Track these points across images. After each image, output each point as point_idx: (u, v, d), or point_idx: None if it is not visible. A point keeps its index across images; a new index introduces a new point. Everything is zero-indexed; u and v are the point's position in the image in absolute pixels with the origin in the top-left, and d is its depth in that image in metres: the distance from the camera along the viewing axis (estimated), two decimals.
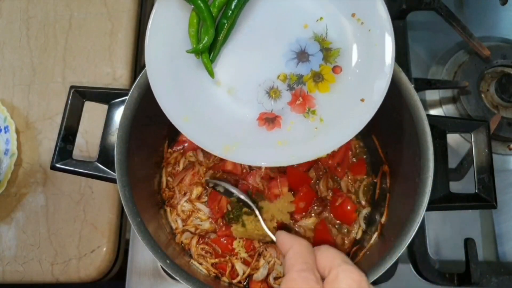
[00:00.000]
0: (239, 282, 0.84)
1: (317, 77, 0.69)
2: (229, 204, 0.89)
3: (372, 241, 0.82)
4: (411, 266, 0.94)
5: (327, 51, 0.69)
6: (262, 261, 0.85)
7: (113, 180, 0.71)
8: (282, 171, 0.93)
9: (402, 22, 1.10)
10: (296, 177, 0.91)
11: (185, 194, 0.91)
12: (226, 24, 0.66)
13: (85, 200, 0.99)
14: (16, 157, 0.97)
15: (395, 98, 0.73)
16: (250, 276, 0.85)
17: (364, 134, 0.95)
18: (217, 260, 0.85)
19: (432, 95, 1.10)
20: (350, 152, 0.94)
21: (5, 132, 1.00)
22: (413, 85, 0.79)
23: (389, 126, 0.83)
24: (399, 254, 0.66)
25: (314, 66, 0.69)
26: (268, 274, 0.85)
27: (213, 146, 0.65)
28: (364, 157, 0.95)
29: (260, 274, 0.84)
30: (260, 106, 0.68)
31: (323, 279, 0.58)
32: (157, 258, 0.68)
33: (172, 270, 0.68)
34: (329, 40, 0.69)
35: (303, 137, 0.66)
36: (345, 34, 0.68)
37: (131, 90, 0.72)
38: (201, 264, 0.84)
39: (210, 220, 0.90)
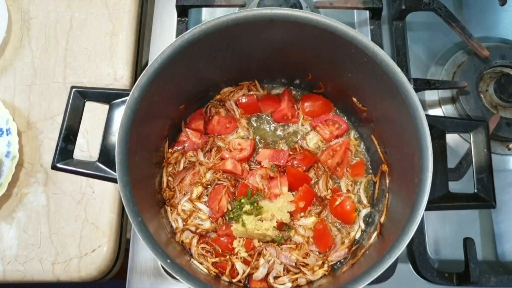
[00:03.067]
0: (239, 281, 0.85)
1: None
2: (230, 203, 0.90)
3: (371, 240, 0.82)
4: (410, 265, 0.94)
5: None
6: (262, 260, 0.86)
7: (114, 180, 0.71)
8: (282, 171, 0.93)
9: (402, 22, 1.10)
10: (296, 177, 0.91)
11: (185, 194, 0.92)
12: None
13: (86, 199, 0.99)
14: (17, 159, 0.98)
15: (395, 99, 0.73)
16: (250, 275, 0.86)
17: (364, 135, 0.95)
18: (217, 259, 0.85)
19: (431, 95, 1.10)
20: (349, 152, 0.95)
21: (7, 134, 1.00)
22: (412, 86, 0.79)
23: (389, 127, 0.83)
24: (399, 254, 0.67)
25: None
26: (268, 274, 0.86)
27: None
28: (364, 157, 0.95)
29: (260, 273, 0.84)
30: None
31: None
32: (158, 258, 0.68)
33: (172, 269, 0.68)
34: None
35: None
36: None
37: (132, 91, 0.72)
38: (201, 263, 0.85)
39: (211, 219, 0.90)
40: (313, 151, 0.96)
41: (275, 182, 0.91)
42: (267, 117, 0.99)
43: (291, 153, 0.94)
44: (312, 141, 0.96)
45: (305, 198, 0.90)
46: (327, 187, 0.93)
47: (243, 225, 0.84)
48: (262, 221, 0.86)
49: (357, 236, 0.89)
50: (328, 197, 0.92)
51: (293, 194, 0.91)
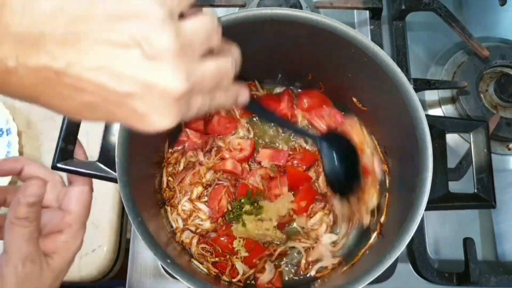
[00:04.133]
0: (239, 281, 0.85)
1: None
2: (230, 203, 0.90)
3: (371, 240, 0.82)
4: (410, 265, 0.94)
5: None
6: (268, 264, 0.86)
7: (114, 180, 0.71)
8: (282, 171, 0.93)
9: (402, 22, 1.10)
10: (296, 176, 0.91)
11: (185, 194, 0.92)
12: None
13: None
14: None
15: (395, 99, 0.73)
16: (255, 278, 0.86)
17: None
18: (217, 259, 0.85)
19: (431, 95, 1.10)
20: None
21: (7, 135, 1.00)
22: (412, 85, 0.79)
23: (389, 126, 0.83)
24: (399, 254, 0.67)
25: None
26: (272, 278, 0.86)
27: None
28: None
29: (266, 277, 0.84)
30: None
31: None
32: (158, 258, 0.68)
33: (172, 269, 0.68)
34: None
35: None
36: None
37: None
38: (201, 263, 0.85)
39: (211, 219, 0.90)
40: (312, 150, 0.95)
41: (275, 182, 0.91)
42: None
43: (290, 152, 0.94)
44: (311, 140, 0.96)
45: (306, 197, 0.90)
46: (327, 184, 0.93)
47: (243, 225, 0.84)
48: (262, 221, 0.86)
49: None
50: (328, 193, 0.92)
51: (293, 194, 0.91)
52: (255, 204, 0.87)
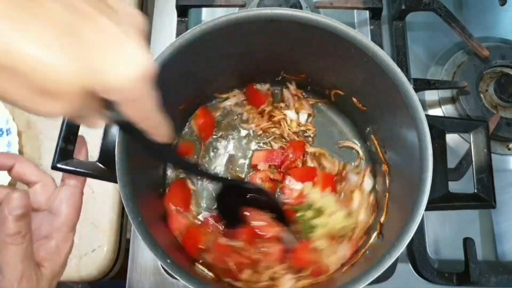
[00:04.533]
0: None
1: None
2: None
3: (371, 240, 0.82)
4: (410, 265, 0.94)
5: None
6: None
7: (114, 180, 0.71)
8: (282, 172, 0.92)
9: (402, 22, 1.10)
10: (302, 172, 0.90)
11: None
12: None
13: (86, 199, 0.97)
14: None
15: (394, 99, 0.73)
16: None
17: (364, 134, 0.95)
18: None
19: (431, 95, 1.10)
20: None
21: (7, 134, 1.00)
22: (412, 85, 0.79)
23: (389, 127, 0.83)
24: (399, 254, 0.66)
25: None
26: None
27: None
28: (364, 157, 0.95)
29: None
30: None
31: None
32: (158, 258, 0.68)
33: (172, 269, 0.68)
34: None
35: None
36: None
37: None
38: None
39: None
40: (298, 138, 0.94)
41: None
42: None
43: (282, 150, 0.92)
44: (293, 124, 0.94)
45: (327, 184, 0.87)
46: (333, 163, 0.91)
47: (321, 228, 0.79)
48: (331, 215, 0.81)
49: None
50: (341, 167, 0.91)
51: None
52: (312, 208, 0.82)
